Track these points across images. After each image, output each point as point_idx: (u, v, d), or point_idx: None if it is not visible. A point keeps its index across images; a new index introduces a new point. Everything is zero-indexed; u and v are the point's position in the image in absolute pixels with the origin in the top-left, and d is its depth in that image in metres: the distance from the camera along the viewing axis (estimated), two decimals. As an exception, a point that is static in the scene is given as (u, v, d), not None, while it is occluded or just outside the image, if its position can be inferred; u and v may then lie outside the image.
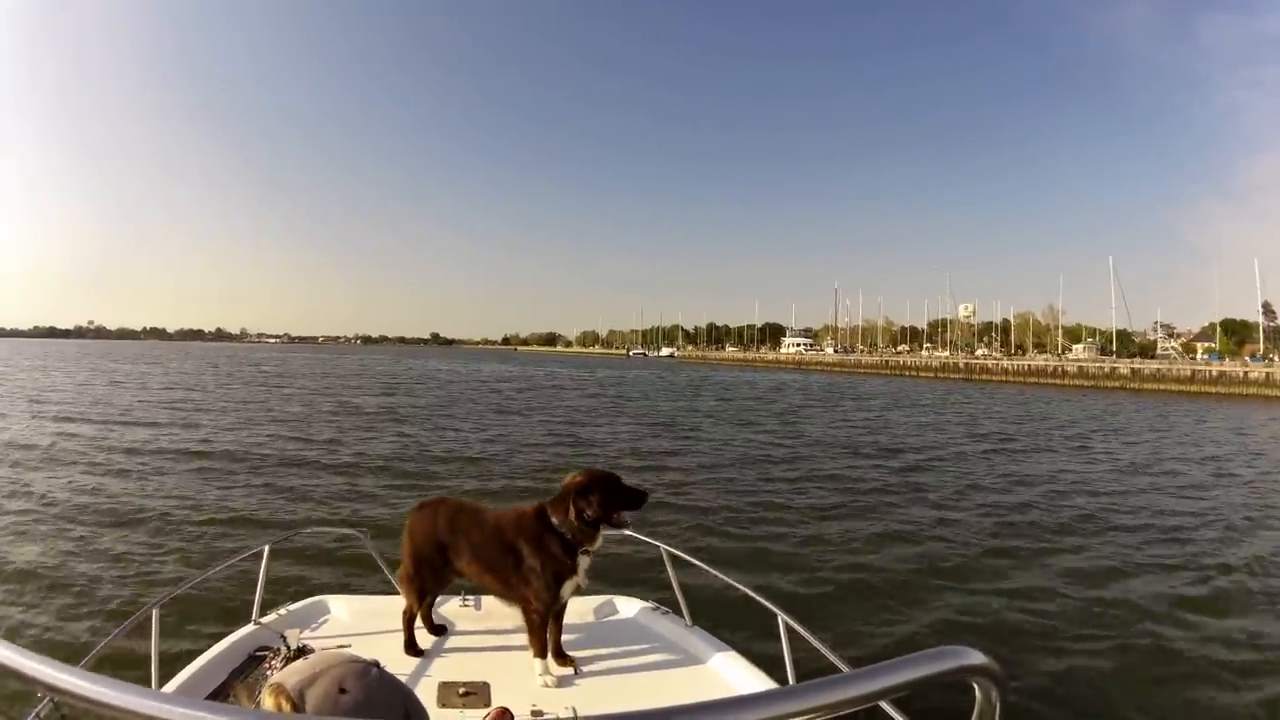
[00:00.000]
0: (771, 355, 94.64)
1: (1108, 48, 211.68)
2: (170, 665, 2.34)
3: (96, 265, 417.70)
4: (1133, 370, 44.83)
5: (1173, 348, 59.28)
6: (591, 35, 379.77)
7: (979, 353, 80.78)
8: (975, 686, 0.74)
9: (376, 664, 1.03)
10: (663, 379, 49.07)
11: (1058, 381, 47.28)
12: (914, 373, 59.40)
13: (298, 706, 0.94)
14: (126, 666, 3.36)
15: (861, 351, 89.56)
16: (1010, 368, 51.28)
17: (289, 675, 0.98)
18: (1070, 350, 66.92)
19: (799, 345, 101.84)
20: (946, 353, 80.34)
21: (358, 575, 5.68)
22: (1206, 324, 76.20)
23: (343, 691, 0.95)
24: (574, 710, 2.19)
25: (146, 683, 2.08)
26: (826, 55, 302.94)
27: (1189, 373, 43.06)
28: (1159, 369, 44.17)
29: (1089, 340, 69.08)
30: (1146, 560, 7.37)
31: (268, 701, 0.97)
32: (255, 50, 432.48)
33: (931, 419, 23.18)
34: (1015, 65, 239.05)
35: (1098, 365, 47.07)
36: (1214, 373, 42.27)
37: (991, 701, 0.75)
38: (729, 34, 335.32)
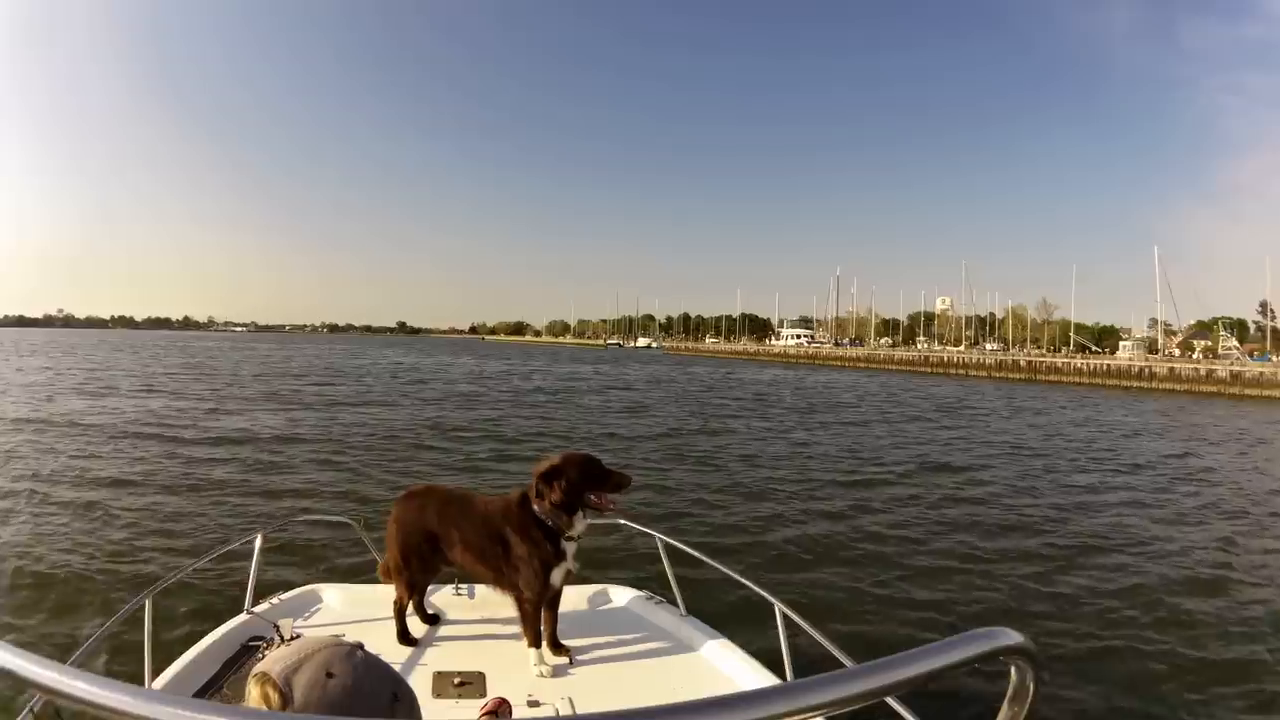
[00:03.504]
0: (778, 348, 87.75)
1: (1091, 52, 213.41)
2: (164, 656, 2.31)
3: (70, 253, 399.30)
4: (1232, 375, 40.01)
5: (1235, 347, 55.35)
6: (572, 30, 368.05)
7: (988, 347, 76.84)
8: (1013, 669, 0.70)
9: (361, 646, 1.00)
10: (688, 379, 41.48)
11: (1144, 385, 41.89)
12: (961, 370, 53.59)
13: (285, 694, 0.91)
14: (120, 658, 3.19)
15: (852, 343, 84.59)
16: (1084, 367, 45.66)
17: (274, 662, 0.94)
18: (1098, 347, 62.90)
19: (800, 338, 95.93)
20: (962, 347, 75.82)
21: (351, 564, 5.48)
22: (1194, 322, 74.30)
23: (330, 675, 0.92)
24: (570, 701, 2.18)
25: (140, 674, 2.12)
26: (808, 51, 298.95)
27: (1298, 377, 38.43)
28: (1263, 373, 39.39)
29: (1138, 337, 64.98)
30: None
31: (254, 690, 0.93)
32: (233, 47, 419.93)
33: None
34: (1002, 66, 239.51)
35: (1192, 368, 42.06)
36: (1328, 377, 37.71)
37: (1027, 683, 0.69)
38: (700, 28, 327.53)
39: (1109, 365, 45.09)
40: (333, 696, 0.91)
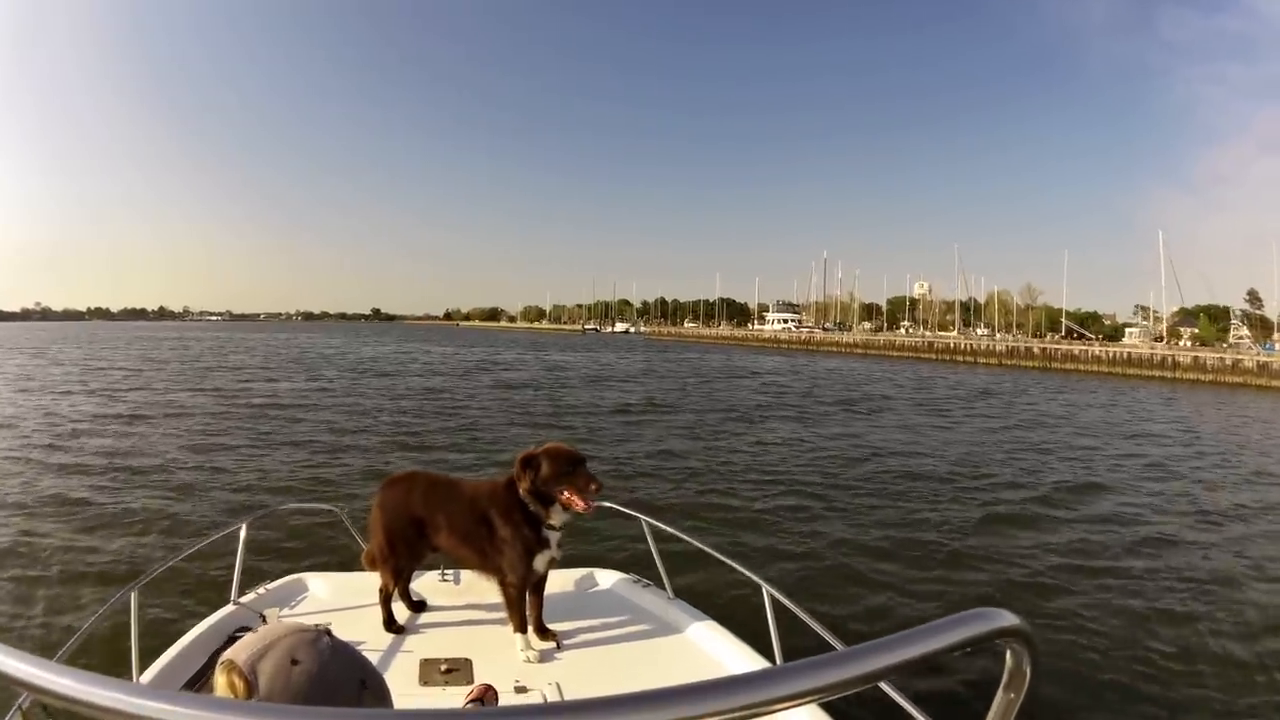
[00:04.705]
0: (767, 333, 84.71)
1: (1071, 40, 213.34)
2: (151, 649, 2.26)
3: (50, 248, 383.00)
4: (1260, 365, 38.11)
5: (1246, 336, 53.95)
6: (553, 20, 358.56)
7: (979, 332, 75.21)
8: (1008, 653, 0.66)
9: (327, 631, 0.98)
10: (687, 369, 37.91)
11: (1166, 374, 39.86)
12: (969, 358, 51.14)
13: (250, 682, 0.89)
14: (107, 651, 3.17)
15: (839, 327, 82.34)
16: (1102, 356, 43.44)
17: (240, 650, 0.93)
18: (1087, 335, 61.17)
19: (788, 322, 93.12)
20: (955, 332, 73.95)
21: (336, 552, 5.43)
22: (1176, 309, 73.62)
23: (294, 662, 0.91)
24: (557, 685, 2.16)
25: (127, 667, 2.09)
26: (792, 40, 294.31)
27: (1329, 367, 36.65)
28: (1292, 362, 37.60)
29: (1143, 323, 63.46)
30: None
31: (220, 679, 0.92)
32: (216, 47, 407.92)
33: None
34: (983, 53, 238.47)
35: (1217, 358, 40.08)
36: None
37: (1023, 667, 0.66)
38: (682, 19, 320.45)
39: (1129, 354, 42.93)
40: (297, 684, 0.88)
